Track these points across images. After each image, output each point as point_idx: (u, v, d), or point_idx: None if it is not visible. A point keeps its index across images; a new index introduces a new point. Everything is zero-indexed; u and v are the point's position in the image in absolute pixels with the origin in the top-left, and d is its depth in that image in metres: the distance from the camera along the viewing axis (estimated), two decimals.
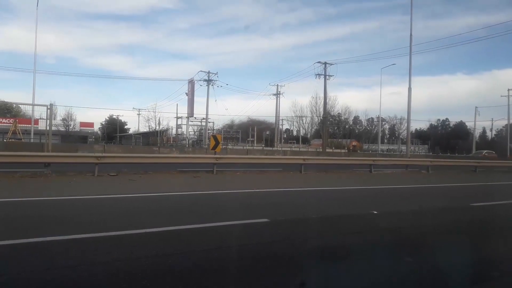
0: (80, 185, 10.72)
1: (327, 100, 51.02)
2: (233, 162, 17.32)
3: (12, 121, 42.04)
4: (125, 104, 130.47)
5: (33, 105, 27.25)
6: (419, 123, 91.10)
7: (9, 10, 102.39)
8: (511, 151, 53.97)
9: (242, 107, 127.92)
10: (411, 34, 26.88)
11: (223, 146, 29.26)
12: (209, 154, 17.81)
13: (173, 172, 14.84)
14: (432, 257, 5.00)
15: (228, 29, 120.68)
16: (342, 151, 50.47)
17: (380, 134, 65.15)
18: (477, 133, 75.53)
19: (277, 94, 59.10)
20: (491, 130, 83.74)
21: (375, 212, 7.82)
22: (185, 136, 55.53)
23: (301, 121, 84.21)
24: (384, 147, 69.88)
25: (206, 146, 34.53)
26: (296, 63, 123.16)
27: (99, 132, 75.90)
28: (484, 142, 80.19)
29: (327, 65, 43.96)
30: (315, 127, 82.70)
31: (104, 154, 14.71)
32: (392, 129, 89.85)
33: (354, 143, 69.64)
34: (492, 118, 74.46)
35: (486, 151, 54.56)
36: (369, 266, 4.53)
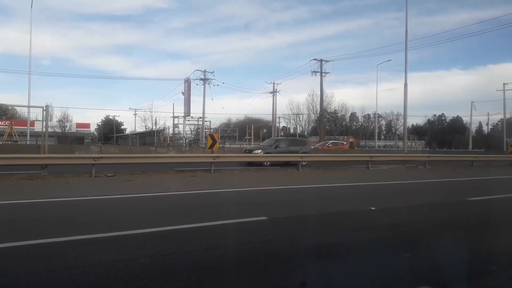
0: (77, 186, 10.69)
1: (324, 97, 51.09)
2: (231, 160, 17.32)
3: (8, 123, 41.85)
4: (121, 105, 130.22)
5: (28, 106, 27.17)
6: (416, 119, 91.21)
7: (3, 11, 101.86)
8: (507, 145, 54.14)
9: (238, 105, 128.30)
10: (406, 30, 26.95)
11: (220, 145, 29.24)
12: (206, 153, 17.79)
13: (171, 172, 14.82)
14: (430, 252, 5.02)
15: (223, 28, 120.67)
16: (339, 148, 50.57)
17: (377, 130, 65.26)
18: (473, 128, 75.86)
19: (274, 92, 59.11)
20: (487, 124, 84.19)
21: (372, 208, 7.85)
22: (182, 135, 55.50)
23: (298, 119, 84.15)
24: (381, 143, 70.11)
25: (203, 145, 34.49)
26: (292, 61, 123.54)
27: (95, 133, 75.71)
28: (481, 136, 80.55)
29: (323, 62, 44.05)
30: (312, 124, 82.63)
31: (101, 155, 14.65)
32: (389, 125, 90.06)
33: (351, 139, 69.68)
34: (488, 113, 74.79)
35: (331, 141, 45.16)
36: (367, 262, 4.55)
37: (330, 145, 39.08)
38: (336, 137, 70.33)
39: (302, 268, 4.25)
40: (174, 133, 57.06)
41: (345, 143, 49.34)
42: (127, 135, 75.22)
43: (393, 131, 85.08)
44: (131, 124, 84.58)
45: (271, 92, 59.24)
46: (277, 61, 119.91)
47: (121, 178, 12.67)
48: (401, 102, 28.74)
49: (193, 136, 56.66)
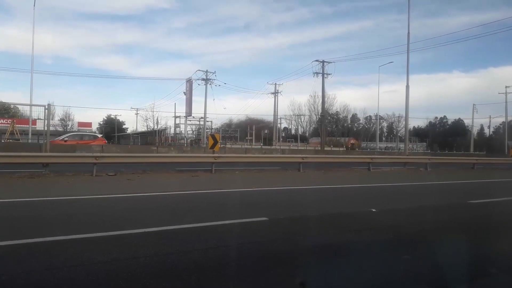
0: (78, 185, 10.71)
1: (326, 99, 51.10)
2: (232, 161, 17.33)
3: (10, 121, 41.92)
4: (123, 104, 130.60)
5: (30, 105, 27.10)
6: (417, 121, 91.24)
7: (5, 10, 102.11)
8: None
9: (240, 106, 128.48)
10: (408, 32, 27.00)
11: (222, 145, 29.23)
12: (208, 153, 17.80)
13: (172, 172, 14.84)
14: (430, 254, 5.03)
15: (224, 29, 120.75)
16: (341, 149, 50.55)
17: (378, 132, 65.23)
18: (475, 131, 75.65)
19: (275, 93, 59.22)
20: (489, 127, 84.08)
21: (373, 210, 7.84)
22: (183, 135, 55.49)
23: (299, 120, 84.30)
24: (382, 145, 70.02)
25: (205, 145, 34.51)
26: (294, 62, 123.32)
27: (97, 132, 75.73)
28: (482, 139, 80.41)
29: (325, 63, 44.03)
30: (314, 126, 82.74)
31: (102, 154, 14.68)
32: (390, 127, 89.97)
33: (352, 141, 69.70)
34: (490, 116, 74.66)
35: (71, 133, 33.62)
36: (368, 263, 4.54)
37: (67, 139, 28.46)
38: (338, 138, 70.24)
39: (302, 269, 4.25)
40: (175, 133, 57.06)
41: (99, 136, 34.89)
42: (128, 135, 75.24)
43: (395, 133, 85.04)
44: (132, 123, 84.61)
45: (272, 93, 59.37)
46: (278, 62, 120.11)
47: (122, 177, 12.68)
48: (402, 104, 28.72)
49: (194, 136, 56.65)
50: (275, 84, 58.93)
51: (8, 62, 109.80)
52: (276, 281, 3.88)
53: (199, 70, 48.83)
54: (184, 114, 53.18)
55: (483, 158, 31.23)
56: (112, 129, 74.40)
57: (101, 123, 79.53)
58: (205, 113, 48.89)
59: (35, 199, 8.28)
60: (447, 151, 59.50)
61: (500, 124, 78.82)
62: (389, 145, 72.13)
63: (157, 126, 62.30)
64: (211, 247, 4.92)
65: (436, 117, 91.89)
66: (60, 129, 55.92)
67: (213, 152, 16.49)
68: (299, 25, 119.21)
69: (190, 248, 4.87)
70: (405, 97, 27.57)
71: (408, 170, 20.94)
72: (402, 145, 43.83)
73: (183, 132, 56.31)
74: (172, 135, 57.33)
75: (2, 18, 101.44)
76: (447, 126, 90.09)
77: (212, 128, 54.88)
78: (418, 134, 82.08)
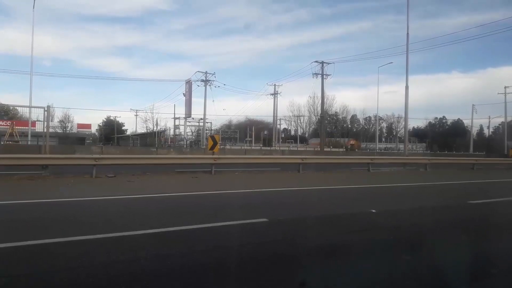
0: (78, 187, 10.70)
1: (325, 99, 51.12)
2: (231, 162, 17.31)
3: (9, 123, 41.92)
4: (122, 105, 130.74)
5: (30, 107, 27.21)
6: (417, 122, 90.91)
7: (4, 12, 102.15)
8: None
9: (239, 107, 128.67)
10: (407, 33, 26.99)
11: (221, 146, 29.21)
12: (207, 154, 17.79)
13: (171, 173, 14.83)
14: (430, 255, 5.02)
15: (223, 30, 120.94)
16: (340, 150, 50.59)
17: (377, 133, 65.27)
18: (474, 131, 75.66)
19: (275, 94, 59.25)
20: (488, 127, 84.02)
21: (373, 210, 7.84)
22: (183, 136, 55.49)
23: (298, 121, 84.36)
24: (382, 145, 70.03)
25: (204, 147, 34.54)
26: (293, 63, 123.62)
27: (96, 134, 75.74)
28: (482, 139, 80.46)
29: (324, 64, 44.08)
30: (313, 127, 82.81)
31: (102, 156, 14.66)
32: (390, 128, 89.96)
33: (352, 142, 69.77)
34: (489, 116, 74.56)
35: None
36: (368, 264, 4.54)
37: None
38: (337, 139, 70.36)
39: (302, 270, 4.25)
40: (175, 134, 57.08)
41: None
42: (128, 136, 75.21)
43: (394, 133, 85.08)
44: (132, 125, 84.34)
45: (272, 94, 59.39)
46: (278, 63, 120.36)
47: (121, 179, 12.67)
48: (402, 105, 28.76)
49: (194, 137, 56.66)
50: (275, 85, 59.02)
51: (8, 64, 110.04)
52: (276, 281, 3.88)
53: (198, 71, 48.86)
54: (184, 116, 53.23)
55: (482, 158, 31.24)
56: (111, 130, 74.37)
57: (101, 124, 79.52)
58: (204, 114, 48.94)
59: (35, 201, 8.26)
60: (446, 152, 59.51)
61: (500, 124, 78.86)
62: (389, 145, 72.17)
63: (157, 127, 62.41)
64: (211, 248, 4.92)
65: (436, 118, 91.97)
66: (59, 130, 55.88)
67: (213, 153, 16.48)
68: (298, 26, 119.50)
69: (190, 250, 4.87)
70: (404, 97, 27.58)
71: (408, 171, 20.94)
72: (401, 146, 43.81)
73: (182, 133, 56.34)
74: (172, 136, 57.37)
75: (1, 20, 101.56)
76: (447, 127, 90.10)
77: (211, 129, 54.93)
78: (418, 134, 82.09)
